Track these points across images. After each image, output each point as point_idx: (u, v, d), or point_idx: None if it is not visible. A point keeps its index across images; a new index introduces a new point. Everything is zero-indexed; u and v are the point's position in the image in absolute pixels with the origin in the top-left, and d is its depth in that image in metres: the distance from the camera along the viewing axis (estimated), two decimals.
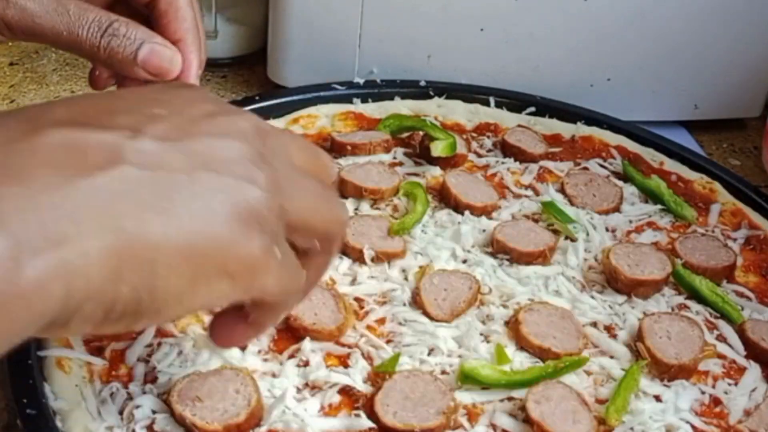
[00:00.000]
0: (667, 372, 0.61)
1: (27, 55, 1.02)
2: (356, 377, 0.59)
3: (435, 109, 0.89)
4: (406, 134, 0.85)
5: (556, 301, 0.67)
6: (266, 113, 0.85)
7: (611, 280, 0.69)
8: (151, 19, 0.60)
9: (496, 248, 0.71)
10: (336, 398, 0.57)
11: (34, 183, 0.35)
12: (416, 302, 0.66)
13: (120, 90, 0.50)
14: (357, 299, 0.66)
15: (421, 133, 0.84)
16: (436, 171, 0.81)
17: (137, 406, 0.55)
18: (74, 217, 0.35)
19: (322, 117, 0.86)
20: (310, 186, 0.46)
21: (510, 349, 0.62)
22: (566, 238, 0.74)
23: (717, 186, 0.82)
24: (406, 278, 0.68)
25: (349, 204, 0.75)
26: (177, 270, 0.38)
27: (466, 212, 0.75)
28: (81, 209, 0.35)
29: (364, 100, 0.89)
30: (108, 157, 0.37)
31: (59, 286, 0.34)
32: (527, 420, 0.56)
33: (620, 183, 0.82)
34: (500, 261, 0.71)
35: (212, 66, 1.02)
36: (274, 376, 0.59)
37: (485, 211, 0.76)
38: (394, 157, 0.82)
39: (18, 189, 0.34)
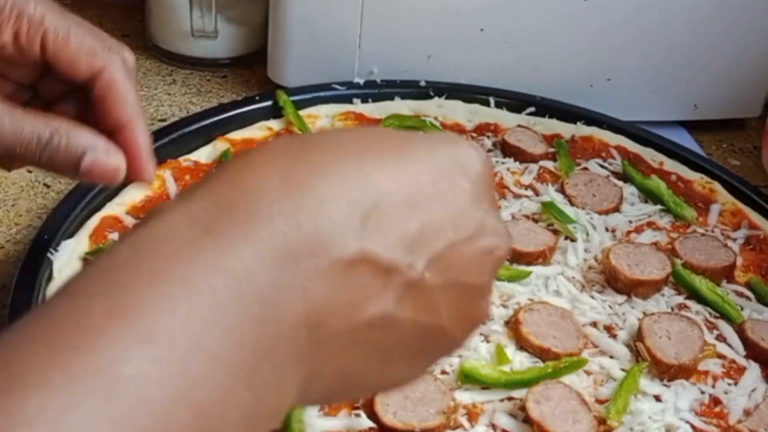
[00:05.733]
0: (667, 372, 0.61)
1: None
2: None
3: (435, 109, 0.89)
4: None
5: (556, 301, 0.67)
6: (267, 113, 0.86)
7: (611, 280, 0.69)
8: (90, 101, 0.54)
9: None
10: None
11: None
12: None
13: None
14: None
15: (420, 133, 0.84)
16: None
17: None
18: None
19: (322, 117, 0.86)
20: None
21: (510, 349, 0.62)
22: (566, 238, 0.74)
23: (717, 186, 0.82)
24: None
25: None
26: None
27: None
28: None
29: (364, 100, 0.88)
30: (390, 297, 0.35)
31: None
32: (527, 420, 0.57)
33: (620, 183, 0.82)
34: None
35: (212, 66, 1.02)
36: None
37: None
38: None
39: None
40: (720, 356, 0.65)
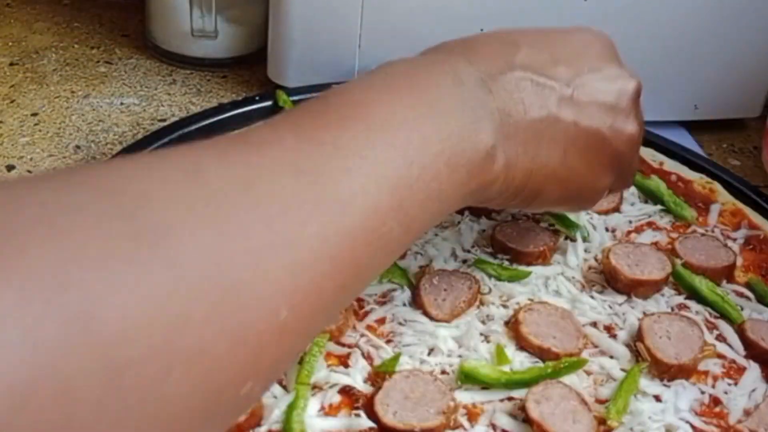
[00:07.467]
0: (666, 372, 0.62)
1: (27, 55, 1.02)
2: (356, 377, 0.59)
3: None
4: None
5: (556, 301, 0.67)
6: (267, 113, 0.86)
7: (611, 280, 0.69)
8: None
9: (496, 248, 0.71)
10: (336, 398, 0.58)
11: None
12: (416, 302, 0.66)
13: (542, 33, 0.59)
14: (357, 299, 0.66)
15: None
16: None
17: None
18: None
19: None
20: None
21: (510, 349, 0.62)
22: (566, 238, 0.74)
23: (717, 186, 0.82)
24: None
25: None
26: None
27: (466, 212, 0.75)
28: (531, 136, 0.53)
29: None
30: (552, 102, 0.53)
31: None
32: (527, 420, 0.57)
33: None
34: (500, 261, 0.71)
35: (212, 66, 1.02)
36: None
37: (485, 211, 0.76)
38: None
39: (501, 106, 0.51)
40: (720, 356, 0.65)
